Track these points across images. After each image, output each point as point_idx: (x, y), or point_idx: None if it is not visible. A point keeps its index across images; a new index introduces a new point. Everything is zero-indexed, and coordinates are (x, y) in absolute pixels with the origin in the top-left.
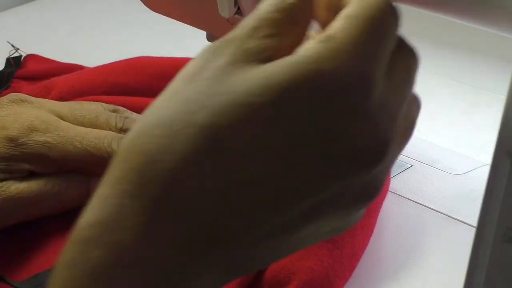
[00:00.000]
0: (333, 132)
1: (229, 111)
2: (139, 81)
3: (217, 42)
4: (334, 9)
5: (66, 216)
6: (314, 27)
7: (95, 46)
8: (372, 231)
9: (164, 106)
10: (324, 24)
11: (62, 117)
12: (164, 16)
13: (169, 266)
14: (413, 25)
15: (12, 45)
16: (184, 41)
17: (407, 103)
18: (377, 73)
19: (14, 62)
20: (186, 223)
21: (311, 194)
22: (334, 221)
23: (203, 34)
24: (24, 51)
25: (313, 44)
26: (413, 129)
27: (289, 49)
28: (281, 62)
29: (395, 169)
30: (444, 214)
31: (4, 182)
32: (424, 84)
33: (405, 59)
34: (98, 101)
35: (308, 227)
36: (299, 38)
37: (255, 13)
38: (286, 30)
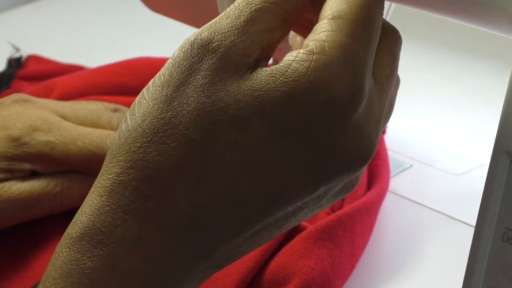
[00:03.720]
0: (323, 144)
1: (220, 130)
2: (140, 81)
3: (204, 33)
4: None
5: (69, 216)
6: None
7: (95, 46)
8: (371, 231)
9: (157, 115)
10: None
11: (64, 117)
12: (164, 16)
13: (158, 276)
14: (413, 26)
15: (13, 46)
16: None
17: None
18: (367, 79)
19: (15, 63)
20: (175, 237)
21: (299, 199)
22: (313, 213)
23: None
24: (25, 52)
25: (302, 55)
26: (392, 110)
27: (274, 47)
28: (269, 74)
29: (394, 168)
30: (443, 213)
31: (6, 183)
32: (424, 84)
33: (389, 44)
34: (99, 101)
35: (290, 223)
36: (284, 35)
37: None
38: (278, 25)
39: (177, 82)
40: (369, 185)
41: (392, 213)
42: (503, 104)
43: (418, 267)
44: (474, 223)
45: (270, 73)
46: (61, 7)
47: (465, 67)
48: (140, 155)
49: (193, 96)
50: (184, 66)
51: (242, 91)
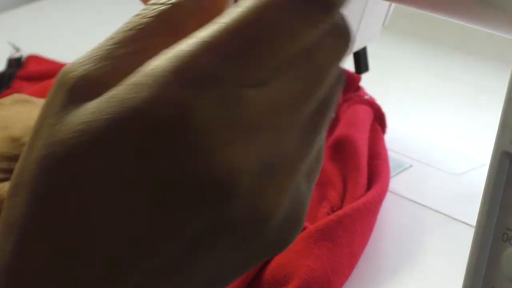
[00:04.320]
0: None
1: (55, 176)
2: None
3: (68, 65)
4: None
5: None
6: None
7: None
8: (371, 231)
9: (16, 171)
10: None
11: None
12: None
13: None
14: (412, 25)
15: (13, 46)
16: None
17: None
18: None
19: (15, 63)
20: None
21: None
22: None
23: None
24: (25, 52)
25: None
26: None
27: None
28: (102, 98)
29: (394, 168)
30: (443, 213)
31: (5, 183)
32: (424, 84)
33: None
34: None
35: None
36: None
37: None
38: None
39: (35, 127)
40: (369, 185)
41: (392, 213)
42: (503, 104)
43: (418, 266)
44: (474, 223)
45: (103, 97)
46: (61, 7)
47: (465, 67)
48: (6, 209)
49: (41, 139)
50: (44, 106)
51: (72, 121)
